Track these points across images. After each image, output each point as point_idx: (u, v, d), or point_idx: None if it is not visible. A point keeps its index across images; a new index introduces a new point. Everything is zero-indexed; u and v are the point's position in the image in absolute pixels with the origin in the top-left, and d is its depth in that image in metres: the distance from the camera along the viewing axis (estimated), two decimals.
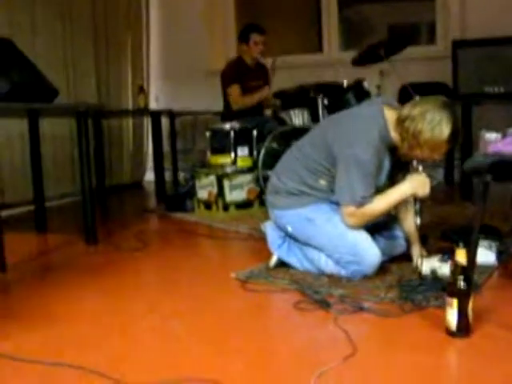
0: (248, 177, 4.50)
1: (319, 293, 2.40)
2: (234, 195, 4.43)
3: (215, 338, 2.05)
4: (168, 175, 5.68)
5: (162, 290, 2.70)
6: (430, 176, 2.65)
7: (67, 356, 1.89)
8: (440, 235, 3.23)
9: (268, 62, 5.23)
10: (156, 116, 5.21)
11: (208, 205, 4.47)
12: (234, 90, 5.15)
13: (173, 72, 6.64)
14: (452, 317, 1.90)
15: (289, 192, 2.75)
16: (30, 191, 4.16)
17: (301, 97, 4.46)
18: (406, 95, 4.43)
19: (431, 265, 2.55)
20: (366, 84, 4.34)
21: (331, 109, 4.21)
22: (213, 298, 2.52)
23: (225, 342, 2.02)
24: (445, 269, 2.49)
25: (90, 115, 3.90)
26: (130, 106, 6.32)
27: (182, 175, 4.82)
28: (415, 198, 2.70)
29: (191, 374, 1.73)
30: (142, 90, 5.03)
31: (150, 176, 6.72)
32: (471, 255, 2.03)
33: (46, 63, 4.48)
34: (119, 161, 6.33)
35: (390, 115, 2.56)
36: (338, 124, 2.70)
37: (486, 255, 2.69)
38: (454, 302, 1.89)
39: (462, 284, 1.90)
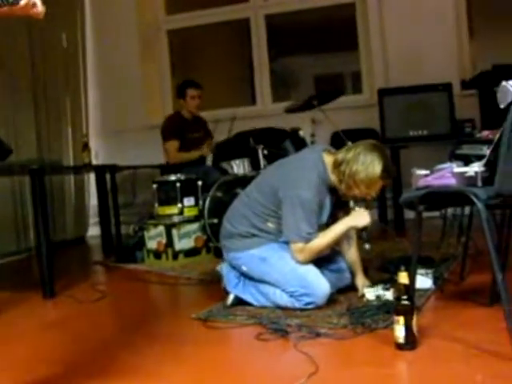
0: (195, 225, 4.67)
1: (277, 323, 2.59)
2: (182, 244, 4.58)
3: (191, 368, 2.21)
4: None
5: (134, 333, 2.77)
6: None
7: None
8: (378, 267, 3.51)
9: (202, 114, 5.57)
10: (101, 171, 5.35)
11: (158, 254, 4.60)
12: (171, 146, 5.38)
13: (111, 129, 6.79)
14: (400, 332, 2.15)
15: (241, 235, 2.97)
16: None
17: (241, 147, 4.73)
18: (337, 141, 4.77)
19: (376, 292, 2.83)
20: (301, 132, 4.65)
21: (270, 157, 4.48)
22: (179, 336, 2.67)
23: (200, 370, 2.19)
24: (388, 296, 2.78)
25: (46, 172, 4.01)
26: (72, 163, 6.44)
27: (131, 227, 4.94)
28: (361, 229, 2.94)
29: None
30: (86, 147, 5.17)
31: (92, 231, 6.80)
32: (411, 277, 2.29)
33: None
34: (61, 217, 6.40)
35: (329, 160, 2.86)
36: (281, 169, 2.97)
37: (423, 281, 2.98)
38: (401, 318, 2.14)
39: (406, 302, 2.15)
